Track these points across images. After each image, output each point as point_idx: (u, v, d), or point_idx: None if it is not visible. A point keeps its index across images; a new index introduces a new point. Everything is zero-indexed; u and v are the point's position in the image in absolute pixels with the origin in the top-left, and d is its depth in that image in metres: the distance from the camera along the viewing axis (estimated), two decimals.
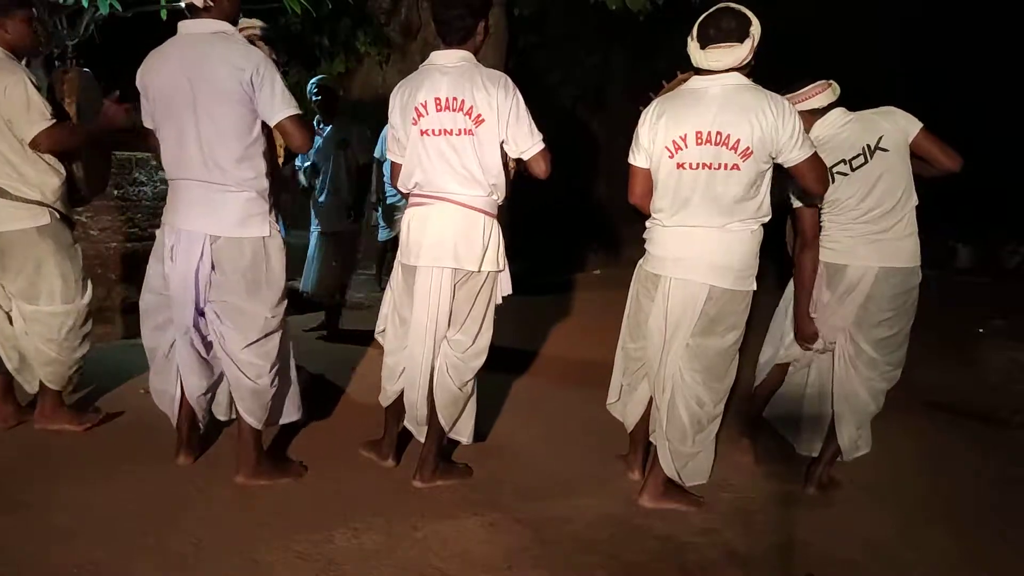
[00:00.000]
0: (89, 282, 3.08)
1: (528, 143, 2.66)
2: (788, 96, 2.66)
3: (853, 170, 2.76)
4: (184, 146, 2.54)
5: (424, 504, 2.73)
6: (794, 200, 2.86)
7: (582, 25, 7.15)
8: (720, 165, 2.46)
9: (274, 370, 2.73)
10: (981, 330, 5.64)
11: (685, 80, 2.66)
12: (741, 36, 2.40)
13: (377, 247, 6.70)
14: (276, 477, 2.82)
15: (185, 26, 2.58)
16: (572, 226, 7.67)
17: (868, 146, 2.75)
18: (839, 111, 2.83)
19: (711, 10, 2.47)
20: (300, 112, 2.58)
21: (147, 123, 2.70)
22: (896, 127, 2.75)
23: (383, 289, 6.66)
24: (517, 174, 2.82)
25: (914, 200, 2.78)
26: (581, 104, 7.93)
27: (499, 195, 2.74)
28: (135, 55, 3.61)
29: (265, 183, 2.62)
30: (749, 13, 2.44)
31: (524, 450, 3.26)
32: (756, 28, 2.42)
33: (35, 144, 2.80)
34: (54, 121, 2.82)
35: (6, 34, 2.84)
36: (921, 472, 3.23)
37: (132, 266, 4.91)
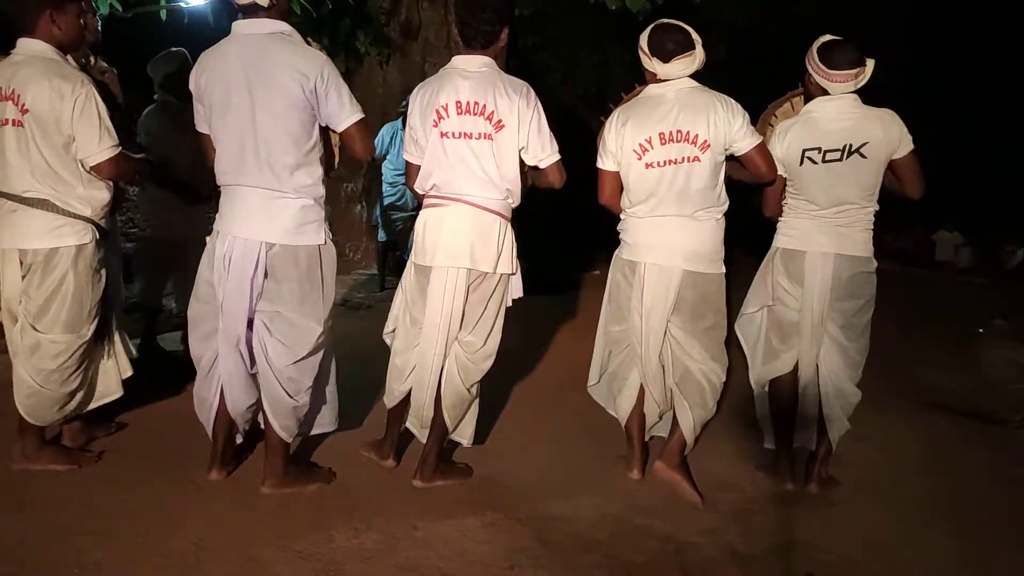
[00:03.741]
0: (99, 312, 2.78)
1: (546, 152, 2.72)
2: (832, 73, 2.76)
3: (824, 162, 2.78)
4: (242, 151, 2.49)
5: (424, 504, 2.74)
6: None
7: (582, 25, 7.16)
8: (683, 159, 2.68)
9: (312, 386, 2.71)
10: (981, 330, 5.65)
11: (641, 91, 2.87)
12: (692, 44, 2.68)
13: (377, 247, 6.70)
14: (303, 484, 2.77)
15: (242, 26, 2.51)
16: (572, 226, 7.67)
17: (849, 146, 2.77)
18: (853, 100, 2.80)
19: (654, 27, 2.75)
20: (364, 116, 2.57)
21: (201, 128, 2.62)
22: (887, 139, 2.77)
23: (384, 289, 6.68)
24: (531, 187, 2.85)
25: (875, 206, 2.86)
26: (582, 104, 7.94)
27: (514, 199, 2.77)
28: (135, 55, 3.63)
29: (322, 190, 2.59)
30: (686, 26, 2.70)
31: (524, 450, 3.26)
32: (696, 36, 2.71)
33: (99, 170, 2.62)
34: (120, 148, 2.63)
35: (57, 30, 2.58)
36: (921, 472, 3.23)
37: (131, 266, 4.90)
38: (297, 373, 2.64)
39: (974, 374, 4.68)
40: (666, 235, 2.75)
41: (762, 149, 2.73)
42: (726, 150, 2.70)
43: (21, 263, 2.64)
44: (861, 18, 7.93)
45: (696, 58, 2.68)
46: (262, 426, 2.78)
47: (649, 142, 2.69)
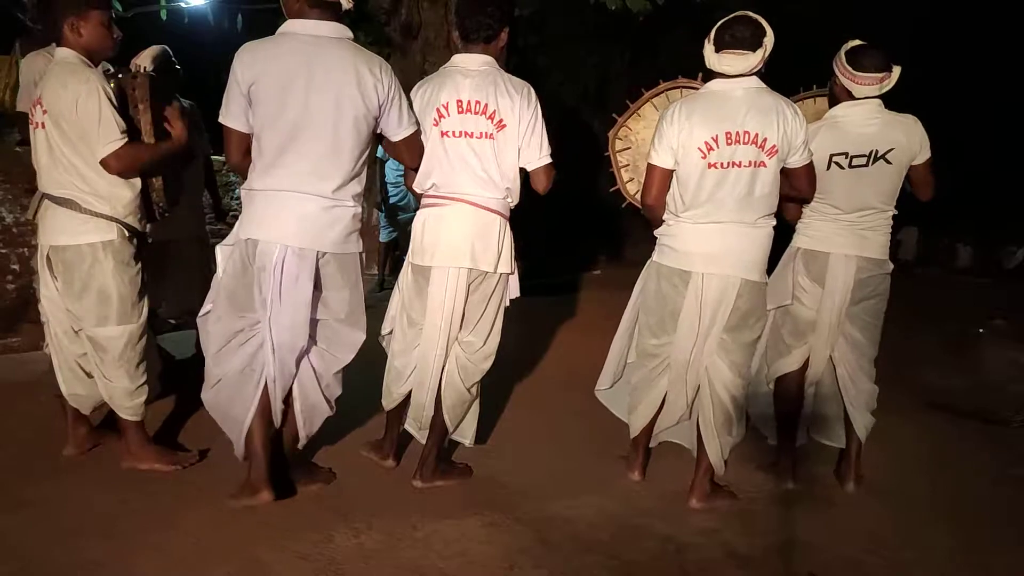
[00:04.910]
0: (145, 303, 2.82)
1: (536, 155, 2.70)
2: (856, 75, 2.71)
3: (850, 167, 2.77)
4: (298, 156, 2.36)
5: (424, 504, 2.74)
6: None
7: (582, 25, 7.16)
8: (749, 163, 2.56)
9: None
10: (981, 330, 5.64)
11: (687, 85, 2.80)
12: (753, 45, 2.52)
13: (378, 247, 6.70)
14: (304, 484, 2.76)
15: (303, 26, 2.36)
16: (572, 227, 7.67)
17: (876, 152, 2.75)
18: (877, 105, 2.78)
19: (730, 16, 2.56)
20: (418, 129, 2.58)
21: (235, 123, 2.42)
22: (910, 145, 2.77)
23: (383, 289, 6.67)
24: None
25: (893, 210, 2.87)
26: (582, 104, 7.94)
27: (513, 199, 2.75)
28: (134, 55, 3.62)
29: (361, 198, 2.55)
30: (764, 23, 2.52)
31: (524, 450, 3.26)
32: (769, 39, 2.53)
33: (105, 165, 2.57)
34: (125, 140, 2.57)
35: (79, 37, 2.59)
36: (922, 472, 3.23)
37: None
38: (335, 382, 2.65)
39: (974, 374, 4.67)
40: (726, 243, 2.62)
41: (811, 167, 2.68)
42: (785, 160, 2.61)
43: (50, 260, 2.69)
44: (862, 18, 7.93)
45: (750, 61, 2.51)
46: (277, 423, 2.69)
47: (715, 140, 2.54)
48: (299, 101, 2.33)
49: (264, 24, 5.54)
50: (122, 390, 2.76)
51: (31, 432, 3.12)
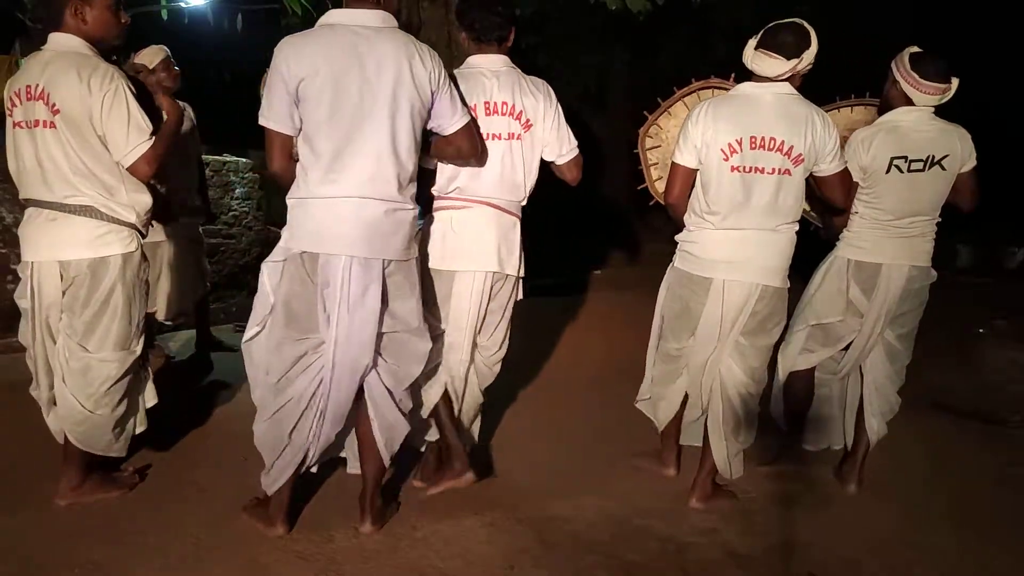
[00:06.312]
0: (145, 325, 2.62)
1: (565, 148, 2.69)
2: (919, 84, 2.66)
3: (908, 171, 2.73)
4: (357, 157, 2.18)
5: (424, 504, 2.74)
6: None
7: (582, 25, 7.16)
8: (773, 170, 2.51)
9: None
10: (982, 330, 5.63)
11: (720, 85, 2.80)
12: (789, 53, 2.47)
13: None
14: (389, 517, 2.64)
15: (349, 16, 2.21)
16: (573, 227, 7.67)
17: (933, 157, 2.72)
18: (930, 112, 2.75)
19: (786, 20, 2.52)
20: (471, 119, 2.42)
21: (279, 124, 2.21)
22: (962, 153, 2.75)
23: None
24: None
25: (938, 217, 2.86)
26: (582, 104, 7.95)
27: (525, 200, 2.74)
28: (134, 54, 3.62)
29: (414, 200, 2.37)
30: (813, 39, 2.48)
31: (525, 450, 3.26)
32: (809, 54, 2.49)
33: (135, 171, 2.39)
34: (153, 140, 2.39)
35: (83, 24, 2.37)
36: (922, 472, 3.23)
37: None
38: (407, 396, 2.49)
39: (975, 374, 4.67)
40: (748, 250, 2.59)
41: (845, 175, 2.63)
42: (812, 168, 2.58)
43: (62, 277, 2.44)
44: (865, 19, 7.92)
45: (780, 67, 2.47)
46: (308, 465, 2.50)
47: (739, 143, 2.50)
48: (354, 98, 2.16)
49: (264, 24, 5.54)
50: (86, 418, 2.50)
51: (31, 432, 3.11)
